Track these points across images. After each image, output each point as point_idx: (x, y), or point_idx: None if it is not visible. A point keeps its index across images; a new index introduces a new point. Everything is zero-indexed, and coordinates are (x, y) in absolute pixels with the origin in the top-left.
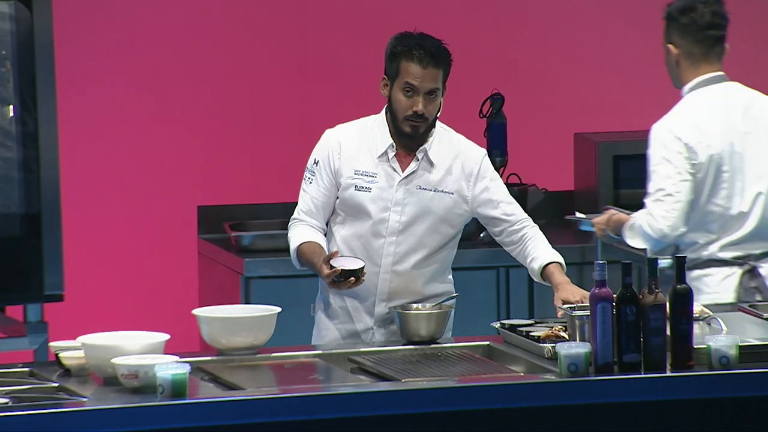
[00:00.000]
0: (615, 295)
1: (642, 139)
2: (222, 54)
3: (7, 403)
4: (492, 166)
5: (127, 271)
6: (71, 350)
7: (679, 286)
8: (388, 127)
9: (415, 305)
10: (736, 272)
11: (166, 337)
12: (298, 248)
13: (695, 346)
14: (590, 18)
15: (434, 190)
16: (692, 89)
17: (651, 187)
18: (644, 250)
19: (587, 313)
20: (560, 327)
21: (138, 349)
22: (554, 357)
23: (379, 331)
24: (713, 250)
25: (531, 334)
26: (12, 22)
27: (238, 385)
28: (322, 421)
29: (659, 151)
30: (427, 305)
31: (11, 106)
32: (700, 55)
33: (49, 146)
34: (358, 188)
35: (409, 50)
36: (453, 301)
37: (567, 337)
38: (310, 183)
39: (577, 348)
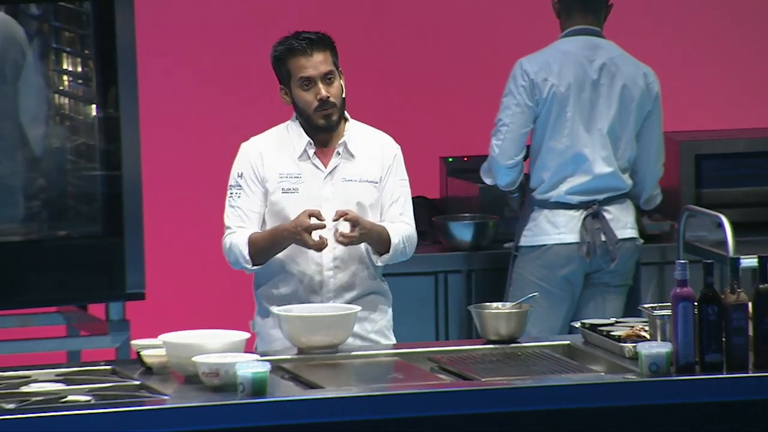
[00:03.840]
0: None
1: (725, 138)
2: None
3: (89, 400)
4: (403, 164)
5: (208, 269)
6: (153, 348)
7: (761, 286)
8: (302, 129)
9: (495, 304)
10: (581, 214)
11: (247, 335)
12: (249, 240)
13: None
14: (672, 16)
15: (359, 181)
16: (562, 37)
17: (496, 118)
18: (726, 250)
19: (669, 312)
20: (641, 326)
21: (219, 348)
22: (635, 357)
23: None
24: (561, 193)
25: (612, 333)
26: (94, 21)
27: (318, 383)
28: (401, 420)
29: (509, 83)
30: (507, 305)
31: (94, 105)
32: (575, 9)
33: (130, 144)
34: (285, 191)
35: (289, 48)
36: (532, 300)
37: (648, 336)
38: (239, 197)
39: (659, 348)
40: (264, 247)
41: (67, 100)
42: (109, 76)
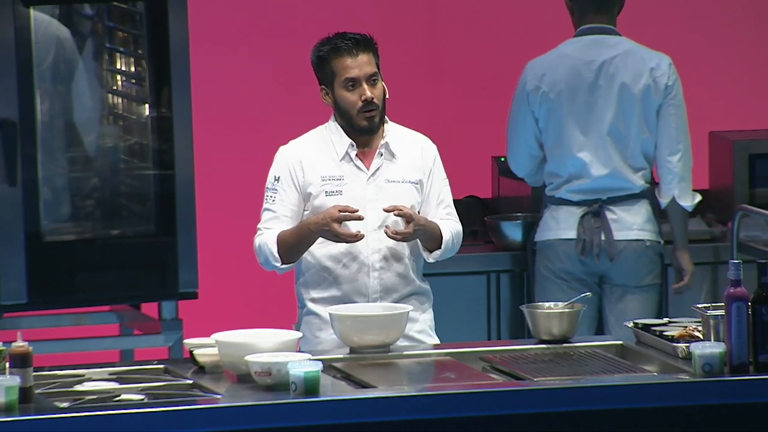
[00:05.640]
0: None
1: None
2: None
3: (142, 399)
4: (441, 163)
5: (260, 268)
6: (205, 347)
7: None
8: (342, 131)
9: (547, 304)
10: (581, 212)
11: (299, 335)
12: (278, 238)
13: None
14: (723, 14)
15: (402, 182)
16: (574, 36)
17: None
18: None
19: (722, 312)
20: (694, 326)
21: (271, 347)
22: (688, 357)
23: None
24: (563, 192)
25: (665, 333)
26: (147, 21)
27: (370, 383)
28: (453, 420)
29: (515, 90)
30: (560, 304)
31: (147, 105)
32: (591, 7)
33: (183, 144)
34: (328, 193)
35: (335, 48)
36: (584, 299)
37: (701, 336)
38: (274, 201)
39: (712, 348)
40: (292, 244)
41: (120, 100)
42: (162, 76)
